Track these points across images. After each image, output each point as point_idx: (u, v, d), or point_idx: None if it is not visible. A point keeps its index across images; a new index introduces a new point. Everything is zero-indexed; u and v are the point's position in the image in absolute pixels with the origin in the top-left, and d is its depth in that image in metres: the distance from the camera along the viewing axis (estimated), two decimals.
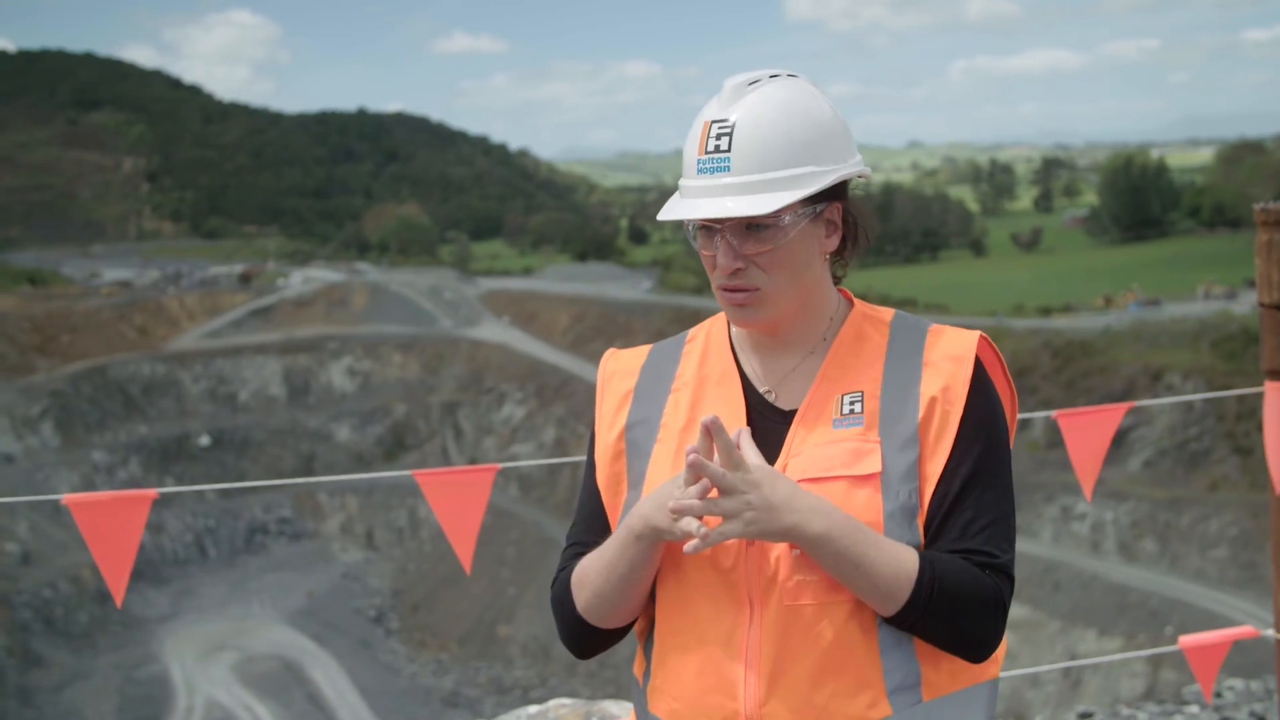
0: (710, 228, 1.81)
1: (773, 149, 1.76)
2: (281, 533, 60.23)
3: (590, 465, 1.99)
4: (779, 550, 1.76)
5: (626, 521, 1.82)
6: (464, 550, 3.24)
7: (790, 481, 1.71)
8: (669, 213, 1.84)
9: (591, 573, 1.88)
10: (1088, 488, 3.73)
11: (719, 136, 1.77)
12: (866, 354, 1.87)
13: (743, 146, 1.76)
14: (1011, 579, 1.79)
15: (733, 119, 1.78)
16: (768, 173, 1.76)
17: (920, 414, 1.79)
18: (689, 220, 1.83)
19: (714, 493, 1.70)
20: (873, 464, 1.76)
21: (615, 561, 1.83)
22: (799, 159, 1.77)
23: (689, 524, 1.70)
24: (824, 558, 1.70)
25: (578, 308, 74.67)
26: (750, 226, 1.79)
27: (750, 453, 1.73)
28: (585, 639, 1.95)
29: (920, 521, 1.77)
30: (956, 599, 1.72)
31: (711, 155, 1.78)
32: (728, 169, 1.76)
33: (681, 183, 1.84)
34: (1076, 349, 50.02)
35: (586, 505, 2.00)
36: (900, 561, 1.71)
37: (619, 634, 1.96)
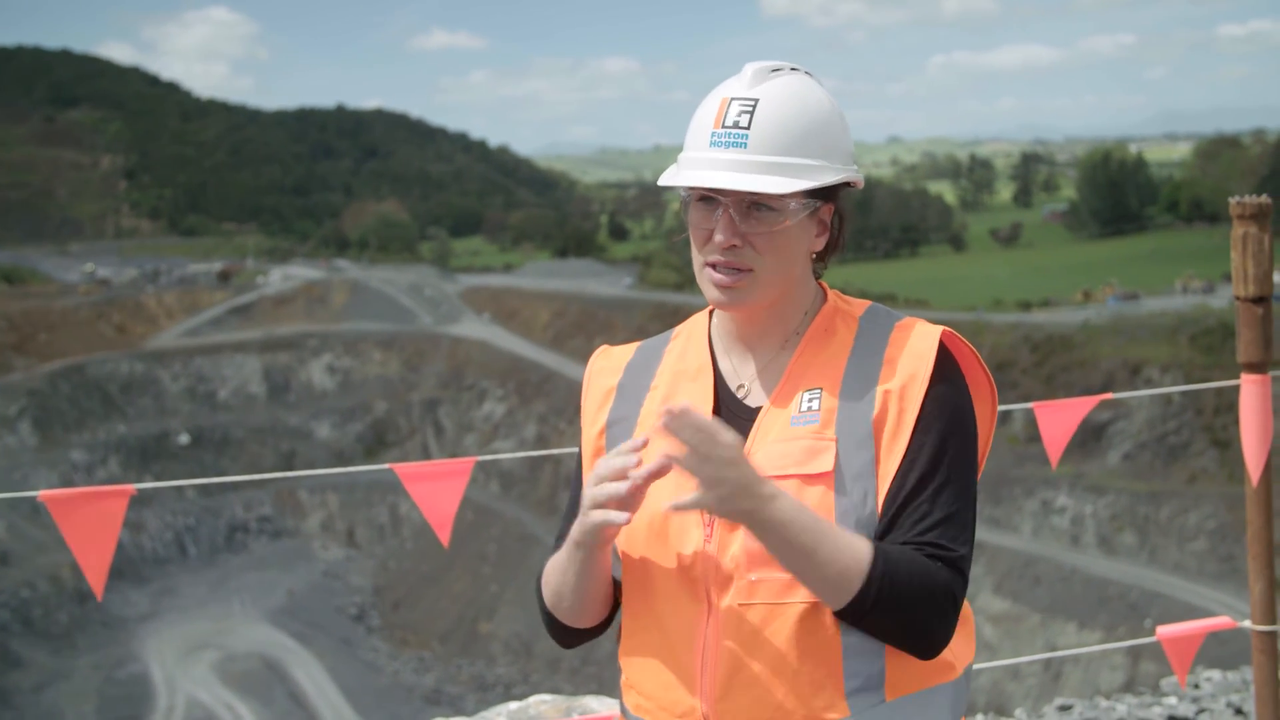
0: (710, 201, 1.81)
1: (794, 135, 1.78)
2: (262, 531, 60.02)
3: (579, 461, 2.01)
4: (736, 547, 1.75)
5: (572, 531, 1.83)
6: (444, 533, 3.31)
7: (754, 467, 1.67)
8: (674, 179, 1.84)
9: (551, 574, 1.91)
10: (1054, 458, 3.85)
11: (740, 113, 1.78)
12: (832, 349, 1.85)
13: (764, 126, 1.77)
14: (964, 574, 1.75)
15: (756, 99, 1.79)
16: (783, 156, 1.77)
17: (875, 410, 1.77)
18: (696, 189, 1.82)
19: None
20: (825, 463, 1.74)
21: (566, 566, 1.85)
22: (813, 151, 1.79)
23: (606, 495, 1.72)
24: (776, 546, 1.66)
25: (558, 304, 74.61)
26: (753, 206, 1.79)
27: (727, 432, 1.66)
28: (560, 633, 1.97)
29: (877, 519, 1.75)
30: (906, 593, 1.67)
31: (730, 130, 1.78)
32: (744, 145, 1.77)
33: (688, 154, 1.83)
34: (1056, 343, 50.21)
35: (571, 499, 2.01)
36: (853, 553, 1.67)
37: (595, 629, 1.97)
